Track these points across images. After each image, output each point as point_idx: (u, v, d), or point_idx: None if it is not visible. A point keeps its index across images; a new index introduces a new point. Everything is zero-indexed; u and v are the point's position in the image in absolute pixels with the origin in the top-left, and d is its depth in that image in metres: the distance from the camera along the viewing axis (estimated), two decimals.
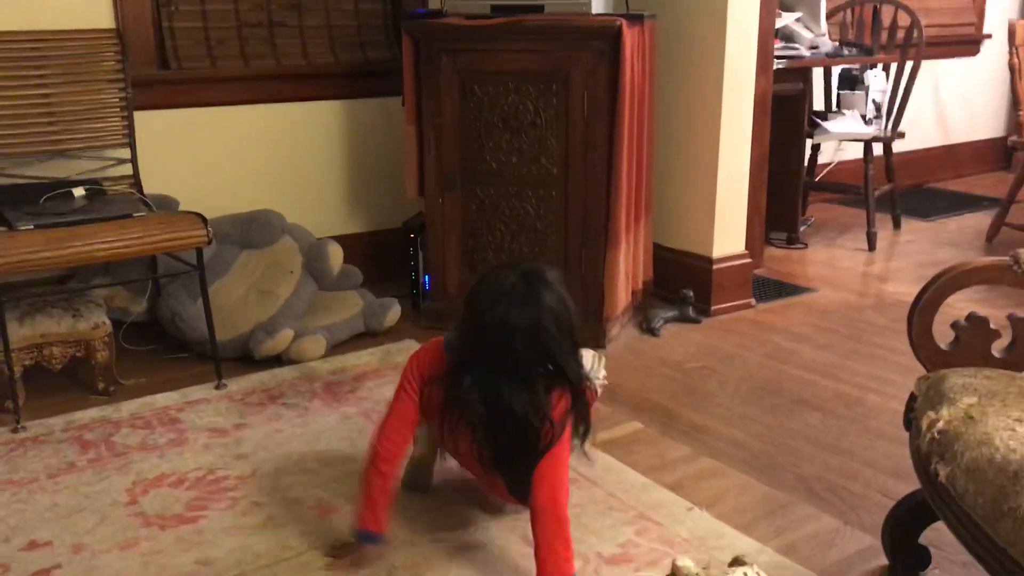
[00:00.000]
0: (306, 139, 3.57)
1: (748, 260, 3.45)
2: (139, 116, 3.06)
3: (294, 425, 2.51)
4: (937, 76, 5.46)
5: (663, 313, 3.26)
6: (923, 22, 4.30)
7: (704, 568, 1.22)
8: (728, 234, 3.38)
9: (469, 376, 1.64)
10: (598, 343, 3.04)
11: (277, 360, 2.90)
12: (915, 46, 4.30)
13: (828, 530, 2.04)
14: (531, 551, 1.72)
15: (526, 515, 1.75)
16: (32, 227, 2.55)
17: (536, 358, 1.63)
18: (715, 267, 3.36)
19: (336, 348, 3.01)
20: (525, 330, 1.61)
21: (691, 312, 3.29)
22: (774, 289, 3.67)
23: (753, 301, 3.47)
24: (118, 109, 2.98)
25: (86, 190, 2.85)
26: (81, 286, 2.94)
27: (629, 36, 2.82)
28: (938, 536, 1.93)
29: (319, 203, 3.64)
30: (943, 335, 1.84)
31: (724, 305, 3.38)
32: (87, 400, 2.68)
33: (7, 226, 2.57)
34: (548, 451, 1.63)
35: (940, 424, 1.54)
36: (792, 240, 4.28)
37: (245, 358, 2.91)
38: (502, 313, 1.60)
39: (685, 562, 1.25)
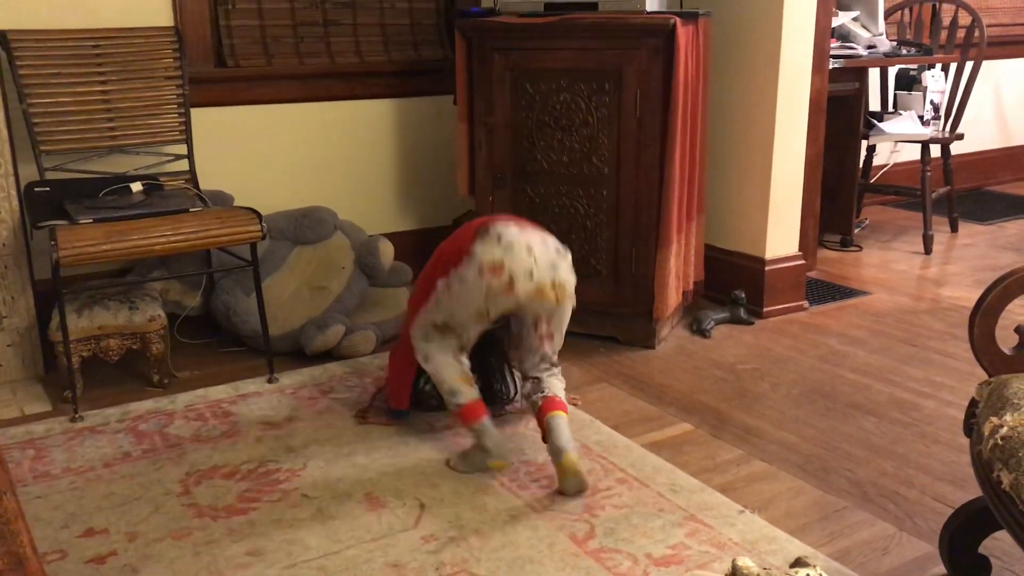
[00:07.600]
0: (358, 137, 3.60)
1: (801, 261, 3.40)
2: (196, 113, 3.11)
3: (344, 419, 2.53)
4: (998, 77, 5.34)
5: (714, 314, 3.23)
6: (984, 21, 4.21)
7: (765, 569, 1.19)
8: (781, 235, 3.34)
9: None
10: (647, 343, 3.02)
11: (328, 355, 2.93)
12: (976, 46, 4.22)
13: (883, 536, 2.00)
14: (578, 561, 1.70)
15: (571, 511, 1.73)
16: (92, 220, 2.60)
17: None
18: (768, 268, 3.32)
19: (386, 344, 3.02)
20: None
21: (743, 313, 3.25)
22: (827, 291, 3.62)
23: (806, 303, 3.42)
24: (175, 106, 3.03)
25: (144, 185, 2.90)
26: (138, 279, 2.99)
27: (683, 34, 2.80)
28: (998, 546, 1.89)
29: (371, 200, 3.66)
30: (1006, 340, 1.79)
31: (776, 307, 3.34)
32: (142, 392, 2.72)
33: (68, 220, 2.62)
34: None
35: (1004, 430, 1.50)
36: (846, 242, 4.22)
37: (297, 353, 2.94)
38: None
39: (745, 561, 1.22)
